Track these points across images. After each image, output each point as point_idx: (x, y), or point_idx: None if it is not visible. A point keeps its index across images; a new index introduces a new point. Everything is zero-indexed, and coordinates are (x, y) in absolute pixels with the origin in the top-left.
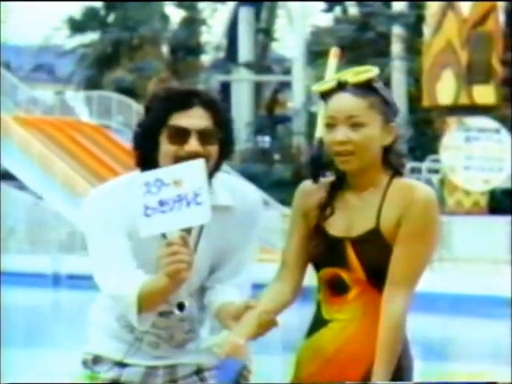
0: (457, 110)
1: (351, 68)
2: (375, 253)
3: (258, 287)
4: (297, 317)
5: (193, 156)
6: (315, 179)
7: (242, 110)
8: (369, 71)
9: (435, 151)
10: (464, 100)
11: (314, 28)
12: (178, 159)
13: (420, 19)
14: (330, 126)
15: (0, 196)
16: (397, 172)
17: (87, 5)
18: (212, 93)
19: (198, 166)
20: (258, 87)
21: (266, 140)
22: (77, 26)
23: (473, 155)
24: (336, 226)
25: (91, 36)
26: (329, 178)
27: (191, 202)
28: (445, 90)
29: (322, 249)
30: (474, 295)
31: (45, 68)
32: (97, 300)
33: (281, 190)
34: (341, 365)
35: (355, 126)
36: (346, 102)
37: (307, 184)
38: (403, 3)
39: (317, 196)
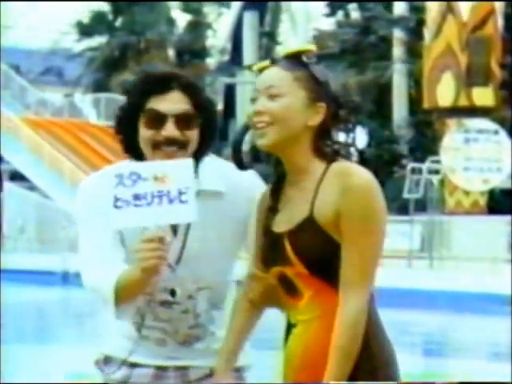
0: (456, 111)
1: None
2: (311, 243)
3: None
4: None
5: (170, 141)
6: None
7: (246, 112)
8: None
9: (435, 152)
10: (463, 102)
11: (316, 32)
12: (155, 144)
13: (420, 23)
14: (254, 100)
15: (8, 196)
16: (332, 161)
17: (95, 9)
18: (191, 76)
19: (186, 165)
20: None
21: None
22: (85, 30)
23: (472, 156)
24: (279, 223)
25: (99, 40)
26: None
27: (174, 200)
28: (445, 92)
29: (266, 247)
30: (474, 293)
31: (54, 71)
32: None
33: None
34: (310, 367)
35: (274, 96)
36: (269, 73)
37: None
38: (404, 8)
39: (267, 200)
